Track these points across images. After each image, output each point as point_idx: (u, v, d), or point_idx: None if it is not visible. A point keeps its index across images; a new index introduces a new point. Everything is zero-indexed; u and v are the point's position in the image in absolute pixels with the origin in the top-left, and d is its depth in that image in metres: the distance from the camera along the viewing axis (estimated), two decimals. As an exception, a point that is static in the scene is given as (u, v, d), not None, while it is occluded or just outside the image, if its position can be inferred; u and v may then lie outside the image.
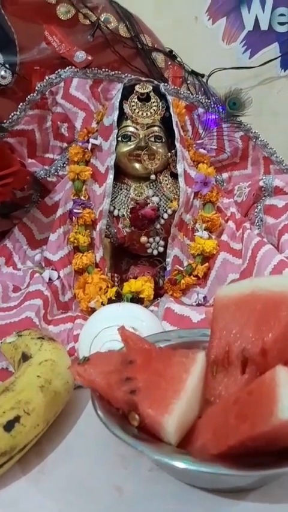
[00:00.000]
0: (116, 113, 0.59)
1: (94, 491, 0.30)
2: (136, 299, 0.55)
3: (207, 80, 0.77)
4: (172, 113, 0.61)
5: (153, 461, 0.31)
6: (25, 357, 0.38)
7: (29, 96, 0.67)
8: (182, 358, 0.30)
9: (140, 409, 0.28)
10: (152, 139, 0.60)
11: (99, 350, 0.39)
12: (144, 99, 0.60)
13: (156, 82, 0.64)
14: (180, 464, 0.25)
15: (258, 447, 0.25)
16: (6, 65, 0.65)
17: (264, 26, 0.82)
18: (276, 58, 0.82)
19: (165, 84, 0.71)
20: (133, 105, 0.60)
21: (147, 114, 0.60)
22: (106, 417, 0.29)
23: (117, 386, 0.30)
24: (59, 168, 0.69)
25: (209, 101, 0.73)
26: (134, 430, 0.29)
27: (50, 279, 0.58)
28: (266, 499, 0.28)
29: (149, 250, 0.62)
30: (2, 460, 0.30)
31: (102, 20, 0.70)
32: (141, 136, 0.59)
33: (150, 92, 0.60)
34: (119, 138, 0.60)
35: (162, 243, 0.62)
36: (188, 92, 0.75)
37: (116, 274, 0.62)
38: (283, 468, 0.25)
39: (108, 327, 0.41)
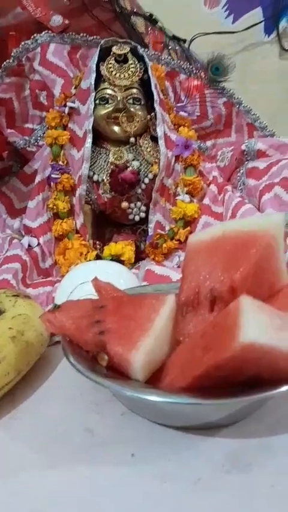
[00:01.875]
0: (93, 75, 0.58)
1: (66, 435, 0.30)
2: (116, 262, 0.54)
3: (189, 46, 0.75)
4: (150, 75, 0.60)
5: (123, 403, 0.31)
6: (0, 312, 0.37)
7: (4, 63, 0.65)
8: (152, 300, 0.30)
9: (108, 348, 0.28)
10: (131, 101, 0.58)
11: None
12: (122, 60, 0.59)
13: (134, 43, 0.62)
14: (145, 396, 0.25)
15: (225, 377, 0.25)
16: (-20, 30, 0.63)
17: (247, -11, 0.80)
18: (260, 22, 0.81)
19: (146, 49, 0.70)
20: (110, 67, 0.58)
21: (124, 76, 0.58)
22: (76, 360, 0.29)
23: (87, 329, 0.30)
24: (39, 138, 0.68)
25: (191, 66, 0.72)
26: (103, 370, 0.29)
27: (29, 245, 0.57)
28: (239, 434, 0.28)
29: (131, 216, 0.61)
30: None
31: (78, -18, 0.69)
32: (119, 98, 0.58)
33: (127, 53, 0.59)
34: (97, 101, 0.58)
35: (143, 208, 0.61)
36: (170, 57, 0.73)
37: (98, 242, 0.61)
38: (251, 396, 0.24)
39: (84, 282, 0.41)
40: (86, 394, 0.33)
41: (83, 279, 0.41)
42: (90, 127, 0.58)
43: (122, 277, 0.43)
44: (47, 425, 0.31)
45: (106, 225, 0.64)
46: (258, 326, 0.23)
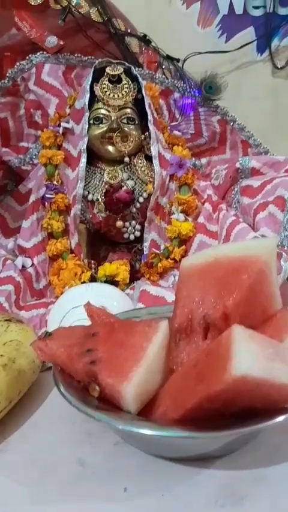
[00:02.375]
0: (87, 95, 0.58)
1: (56, 467, 0.29)
2: (111, 283, 0.54)
3: (182, 65, 0.76)
4: (144, 95, 0.60)
5: (116, 433, 0.30)
6: (-10, 338, 0.37)
7: (0, 83, 0.66)
8: (144, 327, 0.30)
9: (100, 379, 0.27)
10: (125, 121, 0.59)
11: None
12: (116, 81, 0.59)
13: (127, 64, 0.63)
14: (137, 429, 0.24)
15: (218, 409, 0.24)
16: (-25, 51, 0.64)
17: (239, 10, 0.81)
18: (252, 42, 0.82)
19: (140, 69, 0.71)
20: (104, 87, 0.59)
21: (118, 96, 0.59)
22: (67, 390, 0.28)
23: (78, 359, 0.29)
24: (33, 157, 0.68)
25: (185, 85, 0.73)
26: (95, 402, 0.28)
27: (23, 266, 0.57)
28: (234, 466, 0.28)
29: (126, 235, 0.61)
30: None
31: (73, 4, 0.69)
32: (113, 118, 0.58)
33: (121, 73, 0.59)
34: (91, 121, 0.59)
35: (138, 227, 0.61)
36: (164, 76, 0.74)
37: (93, 261, 0.61)
38: (244, 428, 0.24)
39: (77, 306, 0.41)
40: (79, 424, 0.32)
41: (75, 302, 0.41)
42: (85, 147, 0.58)
43: (115, 300, 0.42)
44: (37, 457, 0.30)
45: (101, 243, 0.63)
46: (249, 358, 0.22)
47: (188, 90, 0.73)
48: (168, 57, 0.76)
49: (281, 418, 0.24)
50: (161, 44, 0.76)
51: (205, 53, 0.77)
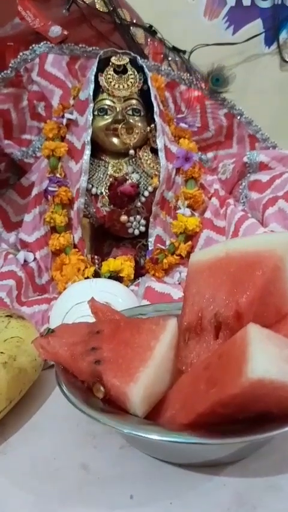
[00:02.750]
0: (92, 86, 0.57)
1: (60, 471, 0.28)
2: (115, 278, 0.53)
3: (189, 57, 0.74)
4: (150, 86, 0.58)
5: (122, 436, 0.29)
6: (-10, 334, 0.35)
7: (2, 74, 0.64)
8: (152, 325, 0.28)
9: (105, 380, 0.26)
10: (130, 112, 0.57)
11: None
12: (121, 71, 0.58)
13: (133, 54, 0.61)
14: (145, 434, 0.23)
15: (230, 414, 0.23)
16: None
17: (246, 2, 0.79)
18: (260, 34, 0.80)
19: (146, 60, 0.69)
20: (109, 78, 0.57)
21: (123, 87, 0.57)
22: (70, 391, 0.27)
23: (81, 357, 0.28)
24: (36, 149, 0.66)
25: (191, 77, 0.71)
26: (100, 403, 0.26)
27: (25, 260, 0.55)
28: (245, 473, 0.26)
29: (130, 230, 0.59)
30: None
31: (77, -7, 0.68)
32: (118, 109, 0.57)
33: (126, 63, 0.58)
34: (95, 112, 0.57)
35: (143, 222, 0.59)
36: (170, 68, 0.72)
37: (96, 256, 0.59)
38: (258, 435, 0.22)
39: (80, 302, 0.39)
40: (82, 425, 0.30)
41: (79, 298, 0.40)
42: (89, 139, 0.56)
43: (120, 296, 0.41)
44: (39, 461, 0.29)
45: (105, 238, 0.62)
46: (267, 359, 0.21)
47: (195, 82, 0.71)
48: (175, 49, 0.75)
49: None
50: (167, 35, 0.74)
51: (212, 45, 0.76)
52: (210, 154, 0.72)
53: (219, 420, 0.23)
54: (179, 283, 0.54)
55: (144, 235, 0.60)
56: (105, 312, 0.33)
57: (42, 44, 0.65)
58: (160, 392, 0.26)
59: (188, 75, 0.72)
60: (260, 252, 0.28)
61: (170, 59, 0.75)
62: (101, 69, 0.58)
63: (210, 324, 0.27)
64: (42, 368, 0.36)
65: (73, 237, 0.57)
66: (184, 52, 0.75)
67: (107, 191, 0.57)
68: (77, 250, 0.56)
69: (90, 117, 0.56)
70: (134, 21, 0.72)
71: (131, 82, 0.57)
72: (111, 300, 0.40)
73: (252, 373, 0.20)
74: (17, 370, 0.32)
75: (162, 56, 0.75)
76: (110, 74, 0.57)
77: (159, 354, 0.26)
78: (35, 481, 0.27)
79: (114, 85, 0.57)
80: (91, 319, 0.34)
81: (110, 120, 0.56)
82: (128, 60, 0.58)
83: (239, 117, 0.71)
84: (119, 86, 0.57)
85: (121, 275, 0.53)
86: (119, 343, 0.28)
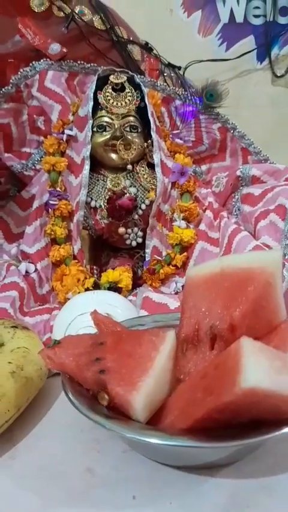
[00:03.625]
0: (91, 103, 0.59)
1: (66, 475, 0.30)
2: (114, 289, 0.55)
3: (183, 72, 0.77)
4: (147, 103, 0.61)
5: (124, 441, 0.31)
6: (-2, 345, 0.37)
7: (3, 89, 0.66)
8: (152, 336, 0.30)
9: (109, 388, 0.28)
10: (128, 129, 0.59)
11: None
12: (119, 89, 0.60)
13: (130, 72, 0.64)
14: (147, 439, 0.25)
15: (226, 420, 0.25)
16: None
17: (239, 19, 0.82)
18: (252, 50, 0.83)
19: (142, 76, 0.71)
20: (107, 95, 0.60)
21: (121, 104, 0.59)
22: (76, 399, 0.29)
23: (86, 367, 0.29)
24: (36, 162, 0.68)
25: (186, 92, 0.73)
26: (104, 410, 0.28)
27: (26, 271, 0.57)
28: (239, 475, 0.28)
29: (128, 242, 0.62)
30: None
31: (76, 12, 0.70)
32: (116, 126, 0.59)
33: (124, 82, 0.60)
34: (94, 129, 0.59)
35: (140, 234, 0.61)
36: (165, 84, 0.75)
37: (95, 267, 0.61)
38: (252, 439, 0.24)
39: (82, 313, 0.41)
40: (87, 431, 0.32)
41: (81, 309, 0.42)
42: (88, 154, 0.58)
43: (119, 307, 0.43)
44: (46, 465, 0.30)
45: (103, 249, 0.64)
46: (259, 370, 0.23)
47: (189, 97, 0.74)
48: (170, 65, 0.77)
49: (286, 429, 0.25)
50: (162, 51, 0.77)
51: (206, 61, 0.78)
52: (204, 167, 0.75)
53: (216, 425, 0.25)
54: (175, 293, 0.56)
55: (141, 246, 0.62)
56: (107, 323, 0.35)
57: (42, 60, 0.67)
58: (160, 400, 0.28)
59: (183, 90, 0.74)
60: (252, 268, 0.30)
61: (165, 74, 0.77)
62: (99, 86, 0.60)
63: (206, 335, 0.29)
64: (47, 376, 0.38)
65: (73, 248, 0.59)
66: (179, 68, 0.77)
67: (105, 204, 0.59)
68: (76, 261, 0.58)
69: (90, 134, 0.58)
70: (131, 38, 0.75)
71: (129, 100, 0.60)
72: (112, 311, 0.42)
73: (245, 383, 0.22)
74: (24, 379, 0.34)
75: (158, 71, 0.77)
76: (108, 92, 0.60)
77: (159, 364, 0.28)
78: (43, 484, 0.29)
79: (112, 102, 0.59)
80: (93, 329, 0.36)
81: (108, 136, 0.59)
82: (125, 78, 0.61)
83: (232, 131, 0.73)
84: (117, 104, 0.59)
85: (120, 285, 0.55)
86: (121, 354, 0.30)
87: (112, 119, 0.59)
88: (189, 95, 0.73)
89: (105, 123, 0.59)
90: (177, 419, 0.26)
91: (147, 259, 0.60)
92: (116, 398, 0.28)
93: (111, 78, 0.60)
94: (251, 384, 0.22)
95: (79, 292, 0.53)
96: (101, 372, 0.29)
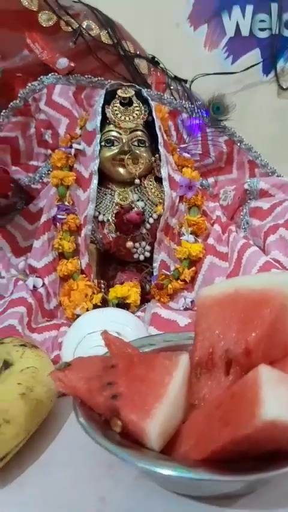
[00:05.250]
0: (99, 117, 0.59)
1: (77, 503, 0.29)
2: (122, 305, 0.54)
3: (190, 86, 0.77)
4: (155, 117, 0.61)
5: (136, 468, 0.30)
6: (6, 365, 0.36)
7: (11, 103, 0.67)
8: (165, 360, 0.30)
9: (122, 415, 0.27)
10: (136, 143, 0.59)
11: (83, 356, 0.38)
12: (127, 103, 0.60)
13: (138, 86, 0.64)
14: (162, 471, 0.24)
15: (242, 451, 0.24)
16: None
17: (245, 32, 0.83)
18: (258, 63, 0.83)
19: (149, 90, 0.71)
20: (115, 110, 0.60)
21: (129, 119, 0.59)
22: (88, 424, 0.28)
23: (98, 392, 0.29)
24: (43, 175, 0.68)
25: (192, 106, 0.74)
26: (117, 436, 0.28)
27: (34, 286, 0.57)
28: (255, 505, 0.27)
29: (136, 256, 0.61)
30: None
31: (84, 26, 0.71)
32: (124, 140, 0.59)
33: (132, 96, 0.60)
34: (102, 143, 0.59)
35: (148, 248, 0.61)
36: (172, 97, 0.75)
37: (102, 281, 0.61)
38: (268, 473, 0.24)
39: (92, 332, 0.41)
40: (98, 456, 0.32)
41: (90, 328, 0.41)
42: (96, 168, 0.58)
43: (129, 326, 0.42)
44: (56, 493, 0.30)
45: (110, 262, 0.64)
46: (279, 403, 0.22)
47: (196, 110, 0.74)
48: (176, 78, 0.78)
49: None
50: (169, 65, 0.77)
51: (212, 74, 0.79)
52: (211, 180, 0.75)
53: (232, 457, 0.24)
54: (185, 309, 0.56)
55: (148, 260, 0.62)
56: (118, 345, 0.34)
57: (50, 75, 0.67)
58: (174, 427, 0.28)
59: (190, 103, 0.74)
60: (267, 290, 0.30)
61: (172, 88, 0.78)
62: (107, 101, 0.60)
63: (221, 360, 0.29)
64: (56, 397, 0.37)
65: (80, 262, 0.59)
66: (185, 81, 0.78)
67: (113, 218, 0.59)
68: (84, 275, 0.58)
69: (98, 148, 0.58)
70: (138, 52, 0.75)
71: (137, 114, 0.60)
72: (121, 329, 0.42)
73: (265, 416, 0.22)
74: (35, 401, 0.33)
75: (164, 85, 0.77)
76: (116, 106, 0.60)
77: (173, 390, 0.28)
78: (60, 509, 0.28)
79: (120, 117, 0.59)
80: (103, 349, 0.35)
81: (116, 151, 0.59)
82: (133, 92, 0.61)
83: (239, 144, 0.73)
84: (125, 118, 0.59)
85: (128, 301, 0.55)
86: (133, 379, 0.29)
87: (120, 134, 0.59)
88: (195, 108, 0.73)
89: (113, 138, 0.59)
90: (192, 450, 0.26)
91: (155, 273, 0.60)
92: (129, 425, 0.27)
93: (119, 92, 0.60)
94: (271, 417, 0.22)
95: (87, 308, 0.53)
96: (114, 398, 0.28)
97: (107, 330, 0.35)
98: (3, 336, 0.42)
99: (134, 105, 0.60)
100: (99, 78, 0.70)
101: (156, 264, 0.60)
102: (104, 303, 0.55)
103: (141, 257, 0.61)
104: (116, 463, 0.31)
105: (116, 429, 0.28)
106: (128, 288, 0.55)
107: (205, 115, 0.73)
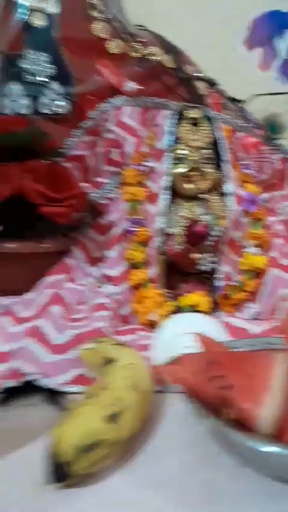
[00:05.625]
0: (169, 137, 0.64)
1: (184, 488, 0.32)
2: (193, 312, 0.58)
3: (245, 106, 0.81)
4: (220, 135, 0.65)
5: (246, 456, 0.33)
6: (108, 361, 0.40)
7: (82, 124, 0.72)
8: (265, 358, 0.33)
9: (235, 404, 0.30)
10: (203, 161, 0.63)
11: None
12: (195, 123, 0.65)
13: (204, 107, 0.68)
14: (274, 450, 0.27)
15: None
16: (67, 96, 0.71)
17: (297, 54, 0.86)
18: (310, 84, 0.86)
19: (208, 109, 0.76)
20: (185, 129, 0.64)
21: (198, 138, 0.64)
22: (201, 413, 0.32)
23: (208, 384, 0.32)
24: (109, 192, 0.73)
25: (248, 125, 0.77)
26: (227, 424, 0.31)
27: (110, 293, 0.61)
28: None
29: (200, 267, 0.65)
30: (108, 450, 0.32)
31: (149, 52, 0.76)
32: (193, 158, 0.63)
33: (200, 116, 0.65)
34: (172, 160, 0.63)
35: (212, 259, 0.64)
36: (228, 117, 0.79)
37: (167, 290, 0.64)
38: None
39: (179, 334, 0.44)
40: (197, 446, 0.34)
41: (178, 331, 0.45)
42: (168, 185, 0.63)
43: (212, 330, 0.46)
44: (164, 477, 0.32)
45: (173, 273, 0.67)
46: None
47: (251, 129, 0.77)
48: (232, 99, 0.82)
49: None
50: (225, 86, 0.82)
51: (266, 95, 0.83)
52: (265, 195, 0.78)
53: None
54: (253, 319, 0.58)
55: (210, 271, 0.65)
56: (214, 345, 0.38)
57: (118, 97, 0.73)
58: (282, 416, 0.31)
59: (245, 122, 0.78)
60: None
61: (228, 108, 0.82)
62: (177, 121, 0.65)
63: None
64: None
65: (150, 272, 0.63)
66: (240, 101, 0.82)
67: (181, 231, 0.63)
68: (153, 285, 0.62)
69: (169, 166, 0.63)
70: (197, 75, 0.80)
71: (205, 133, 0.64)
72: (205, 333, 0.45)
73: None
74: (142, 393, 0.37)
75: (221, 105, 0.82)
76: (186, 126, 0.64)
77: (279, 382, 0.31)
78: (165, 493, 0.31)
79: (189, 136, 0.64)
80: (192, 349, 0.39)
81: (186, 168, 0.63)
82: (201, 112, 0.65)
83: (292, 162, 0.76)
84: (194, 137, 0.64)
85: (199, 309, 0.58)
86: (240, 373, 0.32)
87: (189, 152, 0.63)
88: (251, 127, 0.77)
89: (182, 156, 0.63)
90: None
91: (219, 284, 0.63)
92: (242, 414, 0.30)
93: (188, 112, 0.65)
94: None
95: (161, 314, 0.57)
96: (224, 388, 0.31)
97: (200, 333, 0.39)
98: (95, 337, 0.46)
99: (202, 124, 0.65)
100: (162, 99, 0.75)
101: (220, 276, 0.63)
102: (177, 310, 0.58)
103: (204, 268, 0.65)
104: (217, 452, 0.34)
105: (231, 416, 0.31)
106: (198, 297, 0.59)
107: (260, 134, 0.77)
